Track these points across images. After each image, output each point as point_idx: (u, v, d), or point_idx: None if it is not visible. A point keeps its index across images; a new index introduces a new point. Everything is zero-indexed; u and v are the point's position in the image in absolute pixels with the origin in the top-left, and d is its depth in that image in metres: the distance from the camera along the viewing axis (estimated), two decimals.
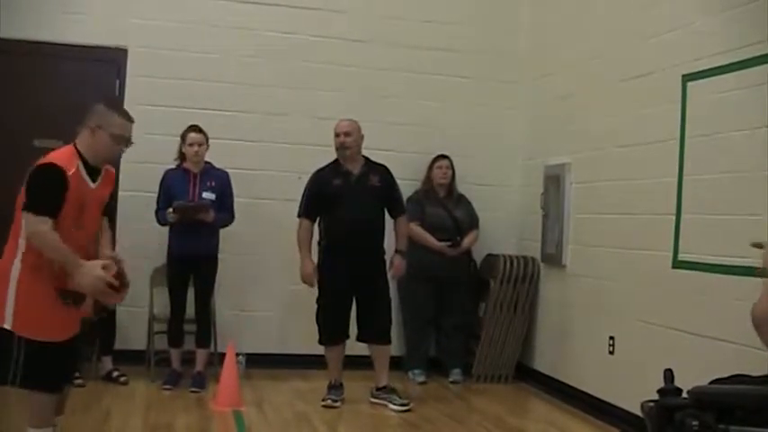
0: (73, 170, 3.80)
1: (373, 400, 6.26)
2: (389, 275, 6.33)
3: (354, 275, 6.12)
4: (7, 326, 3.75)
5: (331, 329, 6.21)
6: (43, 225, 3.70)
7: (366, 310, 6.24)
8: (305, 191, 6.31)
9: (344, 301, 6.22)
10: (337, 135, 6.23)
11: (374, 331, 6.24)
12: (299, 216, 6.27)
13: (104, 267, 3.82)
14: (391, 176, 6.36)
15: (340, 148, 6.22)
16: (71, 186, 3.77)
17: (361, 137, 6.27)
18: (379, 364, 6.29)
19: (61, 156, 3.84)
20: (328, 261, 6.20)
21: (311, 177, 6.31)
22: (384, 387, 6.25)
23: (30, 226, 3.72)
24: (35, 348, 3.76)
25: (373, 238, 6.20)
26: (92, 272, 3.77)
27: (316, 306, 6.27)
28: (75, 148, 3.91)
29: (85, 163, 3.89)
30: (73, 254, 3.76)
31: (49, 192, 3.74)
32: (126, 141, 4.01)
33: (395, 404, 6.13)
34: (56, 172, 3.74)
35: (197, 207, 6.37)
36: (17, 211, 3.82)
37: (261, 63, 7.34)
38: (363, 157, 6.32)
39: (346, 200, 6.13)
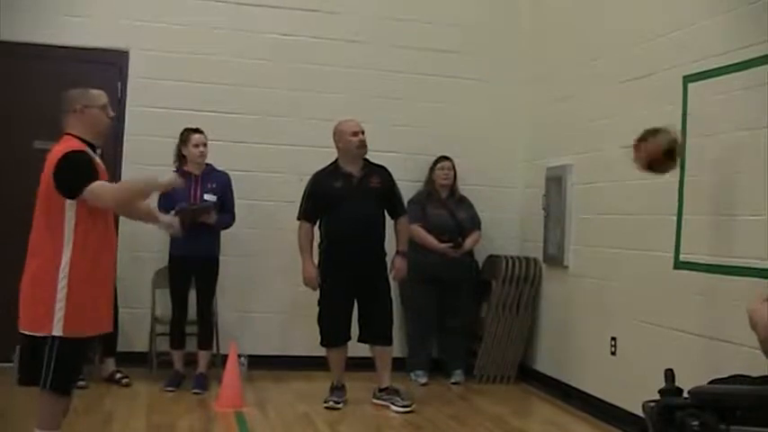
0: (87, 150, 3.93)
1: (375, 401, 6.27)
2: (391, 277, 6.34)
3: (355, 277, 6.12)
4: (56, 332, 3.77)
5: (332, 331, 6.21)
6: (98, 188, 3.81)
7: (367, 312, 6.24)
8: (304, 193, 6.31)
9: (345, 303, 6.22)
10: (356, 134, 6.20)
11: (375, 333, 6.23)
12: (298, 219, 6.28)
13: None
14: (391, 178, 6.35)
15: (360, 146, 6.19)
16: (99, 168, 3.90)
17: None
18: (380, 365, 6.29)
19: (71, 144, 3.92)
20: (329, 263, 6.20)
21: (311, 179, 6.32)
22: (386, 388, 6.25)
23: (91, 198, 3.80)
24: (67, 348, 3.80)
25: (374, 240, 6.19)
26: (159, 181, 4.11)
27: (317, 308, 6.27)
28: (74, 136, 3.95)
29: (90, 145, 3.98)
30: (137, 180, 4.13)
31: (83, 168, 3.85)
32: (108, 108, 4.16)
33: (397, 405, 6.12)
34: (80, 153, 3.88)
35: (200, 210, 6.37)
36: (42, 213, 3.85)
37: (262, 65, 7.35)
38: (363, 158, 6.32)
39: (347, 202, 6.12)
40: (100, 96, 4.11)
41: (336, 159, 6.28)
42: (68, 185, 3.80)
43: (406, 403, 6.14)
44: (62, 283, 3.78)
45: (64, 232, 3.80)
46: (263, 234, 7.27)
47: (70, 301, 3.79)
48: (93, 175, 3.83)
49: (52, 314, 3.77)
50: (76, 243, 3.80)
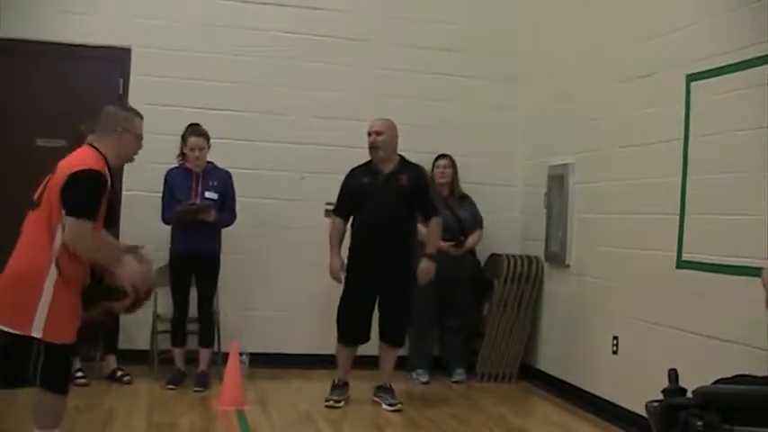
0: (106, 174, 3.91)
1: (373, 397, 6.30)
2: (418, 279, 6.25)
3: (376, 276, 6.08)
4: (36, 334, 3.76)
5: (347, 330, 6.19)
6: (86, 229, 3.78)
7: (383, 312, 6.22)
8: (340, 188, 6.30)
9: (365, 301, 6.16)
10: (369, 134, 6.19)
11: (387, 333, 6.23)
12: (332, 213, 6.29)
13: (140, 260, 4.04)
14: (424, 177, 6.33)
15: (371, 147, 6.17)
16: (107, 190, 3.88)
17: (395, 136, 6.22)
18: (382, 362, 6.30)
19: (93, 160, 3.90)
20: (354, 260, 6.18)
21: (346, 175, 6.30)
22: (381, 386, 6.28)
23: (73, 230, 3.76)
24: (53, 350, 3.79)
25: (397, 239, 6.09)
26: (133, 266, 3.96)
27: (338, 303, 6.24)
28: (97, 150, 3.94)
29: (107, 165, 3.96)
30: (113, 249, 4.00)
31: (92, 196, 3.82)
32: (141, 140, 4.18)
33: (385, 403, 6.15)
34: (98, 177, 3.84)
35: (197, 209, 6.36)
36: (44, 213, 3.84)
37: (264, 63, 7.34)
38: (399, 156, 6.27)
39: (372, 199, 6.09)
40: (140, 126, 4.14)
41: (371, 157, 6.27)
42: (65, 204, 3.79)
43: (393, 401, 6.15)
44: (48, 286, 3.77)
45: (58, 237, 3.80)
46: (266, 232, 7.26)
47: (53, 308, 3.77)
48: (92, 212, 3.80)
49: (33, 316, 3.76)
50: (67, 250, 3.80)
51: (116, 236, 4.26)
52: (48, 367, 3.78)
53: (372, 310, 6.21)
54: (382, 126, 6.18)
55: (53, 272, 3.78)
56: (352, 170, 6.29)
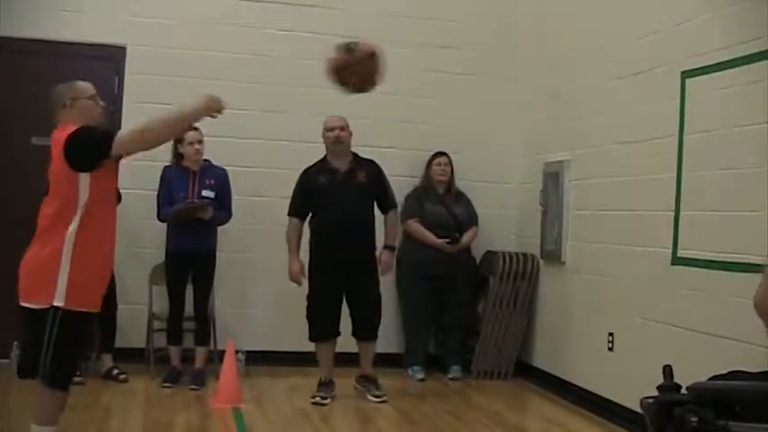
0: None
1: (355, 384, 6.36)
2: (379, 271, 6.32)
3: (342, 272, 6.12)
4: (58, 303, 3.80)
5: (319, 326, 6.22)
6: (133, 131, 3.91)
7: (354, 307, 6.27)
8: (294, 189, 6.32)
9: (333, 298, 6.22)
10: (332, 129, 6.22)
11: (360, 327, 6.27)
12: (288, 215, 6.29)
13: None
14: (379, 171, 6.34)
15: (336, 142, 6.21)
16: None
17: (350, 133, 6.29)
18: (362, 355, 6.34)
19: (76, 124, 3.94)
20: (317, 258, 6.21)
21: (300, 176, 6.33)
22: (365, 376, 6.31)
23: (132, 142, 3.87)
24: (68, 323, 3.82)
25: (360, 235, 6.17)
26: (200, 104, 4.15)
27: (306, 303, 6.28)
28: None
29: None
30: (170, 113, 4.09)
31: (100, 135, 3.90)
32: (98, 98, 4.17)
33: (371, 395, 6.19)
34: (90, 127, 3.90)
35: (195, 208, 6.36)
36: (54, 198, 3.88)
37: (260, 60, 7.33)
38: (352, 153, 6.31)
39: (333, 197, 6.13)
40: (87, 88, 4.13)
41: (325, 155, 6.28)
42: (91, 151, 3.83)
43: (379, 393, 6.19)
44: (66, 257, 3.82)
45: (74, 210, 3.84)
46: (261, 230, 7.25)
47: (72, 276, 3.82)
48: (109, 140, 3.85)
49: (54, 287, 3.80)
50: (83, 220, 3.86)
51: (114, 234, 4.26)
52: (59, 341, 3.80)
53: (340, 305, 6.26)
54: (343, 121, 6.26)
55: (69, 247, 3.82)
56: (306, 170, 6.32)
